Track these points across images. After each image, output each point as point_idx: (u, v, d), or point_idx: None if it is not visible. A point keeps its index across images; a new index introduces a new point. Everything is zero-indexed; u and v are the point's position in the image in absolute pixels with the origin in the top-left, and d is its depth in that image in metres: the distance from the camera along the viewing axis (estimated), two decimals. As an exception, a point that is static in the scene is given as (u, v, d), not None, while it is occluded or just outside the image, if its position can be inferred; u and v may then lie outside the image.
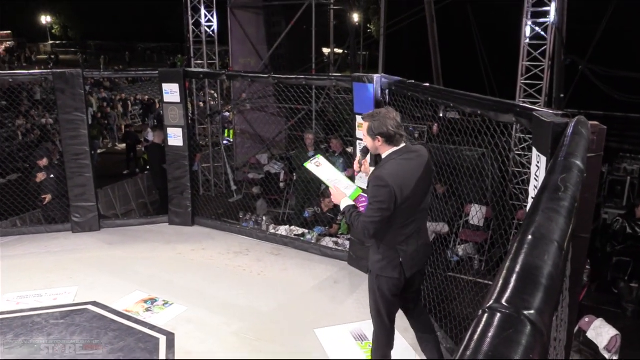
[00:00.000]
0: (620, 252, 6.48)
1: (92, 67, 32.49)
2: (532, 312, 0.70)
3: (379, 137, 2.82)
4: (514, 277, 0.80)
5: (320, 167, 3.17)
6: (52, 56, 39.90)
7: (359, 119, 4.63)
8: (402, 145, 2.85)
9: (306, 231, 6.16)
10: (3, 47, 41.91)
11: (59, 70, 5.67)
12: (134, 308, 4.19)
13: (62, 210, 6.09)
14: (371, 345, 3.26)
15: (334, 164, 3.36)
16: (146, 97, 21.43)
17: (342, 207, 2.96)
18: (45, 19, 46.90)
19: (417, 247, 2.97)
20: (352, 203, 2.96)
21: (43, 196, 6.18)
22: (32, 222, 6.98)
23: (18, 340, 3.71)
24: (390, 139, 2.82)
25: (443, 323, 3.91)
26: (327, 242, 5.71)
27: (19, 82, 6.18)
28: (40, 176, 6.09)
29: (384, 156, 2.88)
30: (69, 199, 5.83)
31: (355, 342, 3.72)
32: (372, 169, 3.07)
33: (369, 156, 3.13)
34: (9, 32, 43.75)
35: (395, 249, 2.89)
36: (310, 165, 3.17)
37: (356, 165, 3.15)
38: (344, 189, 3.05)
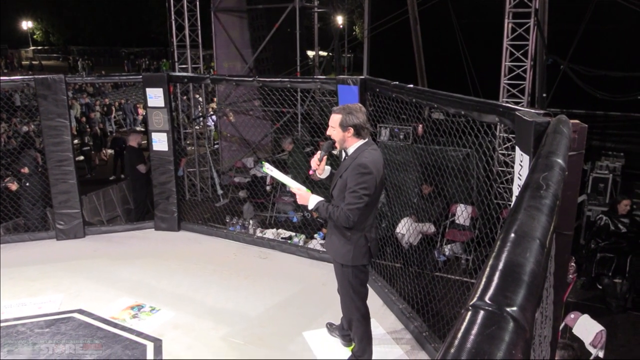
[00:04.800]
0: (604, 249, 6.56)
1: (75, 73, 32.25)
2: (514, 308, 0.71)
3: (350, 129, 3.01)
4: (497, 274, 0.81)
5: (273, 171, 3.31)
6: (34, 62, 39.40)
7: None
8: (368, 138, 3.08)
9: (293, 234, 6.15)
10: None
11: (41, 76, 5.61)
12: (121, 315, 4.15)
13: (38, 219, 6.09)
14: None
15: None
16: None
17: (313, 204, 3.06)
18: (26, 25, 46.31)
19: (376, 235, 3.23)
20: (321, 199, 3.08)
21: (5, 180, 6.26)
22: (16, 230, 6.90)
23: (3, 350, 3.66)
24: (359, 132, 3.03)
25: (431, 322, 3.92)
26: (315, 244, 5.71)
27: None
28: (13, 186, 6.14)
29: (353, 148, 3.05)
30: (53, 206, 5.77)
31: (343, 344, 3.72)
32: (328, 167, 3.24)
33: (325, 156, 3.21)
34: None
35: (364, 236, 3.09)
36: (267, 166, 3.31)
37: (314, 163, 3.18)
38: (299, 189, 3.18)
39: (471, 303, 0.73)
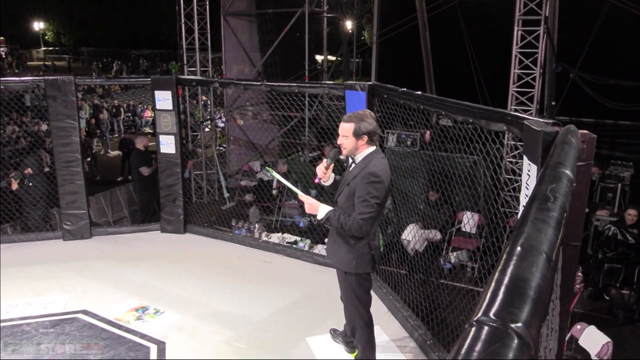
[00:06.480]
0: (612, 259, 6.50)
1: (85, 74, 32.44)
2: (519, 325, 0.70)
3: (364, 137, 2.96)
4: (502, 289, 0.80)
5: (280, 177, 3.32)
6: (47, 63, 39.70)
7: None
8: (376, 146, 3.05)
9: (298, 239, 6.15)
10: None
11: (50, 77, 5.65)
12: (125, 316, 4.15)
13: (40, 220, 6.14)
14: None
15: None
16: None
17: (323, 213, 3.00)
18: (38, 26, 46.71)
19: (379, 243, 3.20)
20: (331, 208, 3.03)
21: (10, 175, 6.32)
22: (23, 229, 6.93)
23: (7, 350, 3.67)
24: (372, 138, 2.98)
25: (436, 331, 3.90)
26: (320, 249, 5.70)
27: (10, 89, 6.14)
28: (14, 185, 6.22)
29: (362, 155, 3.00)
30: (60, 207, 5.79)
31: (346, 351, 3.70)
32: (332, 174, 3.19)
33: (332, 164, 3.17)
34: (1, 38, 43.59)
35: (368, 244, 3.06)
36: (274, 172, 3.32)
37: (321, 172, 3.13)
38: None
39: (475, 318, 0.73)
